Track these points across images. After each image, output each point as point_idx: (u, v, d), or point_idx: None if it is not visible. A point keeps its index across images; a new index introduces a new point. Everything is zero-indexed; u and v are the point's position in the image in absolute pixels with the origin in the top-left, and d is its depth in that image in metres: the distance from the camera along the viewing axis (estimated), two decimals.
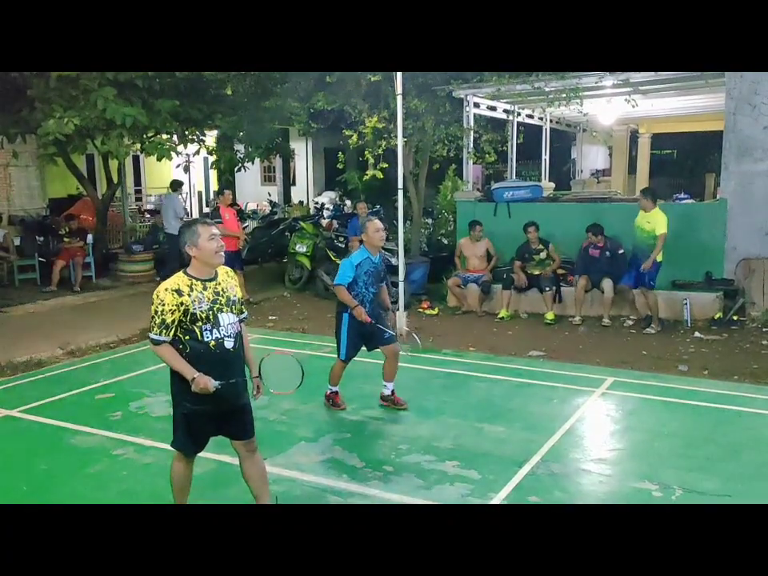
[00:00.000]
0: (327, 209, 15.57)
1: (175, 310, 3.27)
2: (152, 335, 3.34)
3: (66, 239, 11.35)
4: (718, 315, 8.22)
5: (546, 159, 14.79)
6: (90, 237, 11.59)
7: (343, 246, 10.51)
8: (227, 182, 15.05)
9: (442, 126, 10.55)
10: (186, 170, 12.62)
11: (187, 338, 3.33)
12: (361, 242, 10.18)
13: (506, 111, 12.49)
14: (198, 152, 11.99)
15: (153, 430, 5.20)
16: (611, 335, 7.92)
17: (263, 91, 11.13)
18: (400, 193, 8.16)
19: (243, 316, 3.60)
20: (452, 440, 4.97)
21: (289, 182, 20.55)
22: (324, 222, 13.62)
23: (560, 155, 18.08)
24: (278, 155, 16.15)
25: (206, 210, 19.38)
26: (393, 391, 5.67)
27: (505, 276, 9.12)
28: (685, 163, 20.46)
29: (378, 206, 12.29)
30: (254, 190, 20.26)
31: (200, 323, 3.31)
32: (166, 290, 3.29)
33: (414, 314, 9.04)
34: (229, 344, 3.41)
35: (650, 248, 7.98)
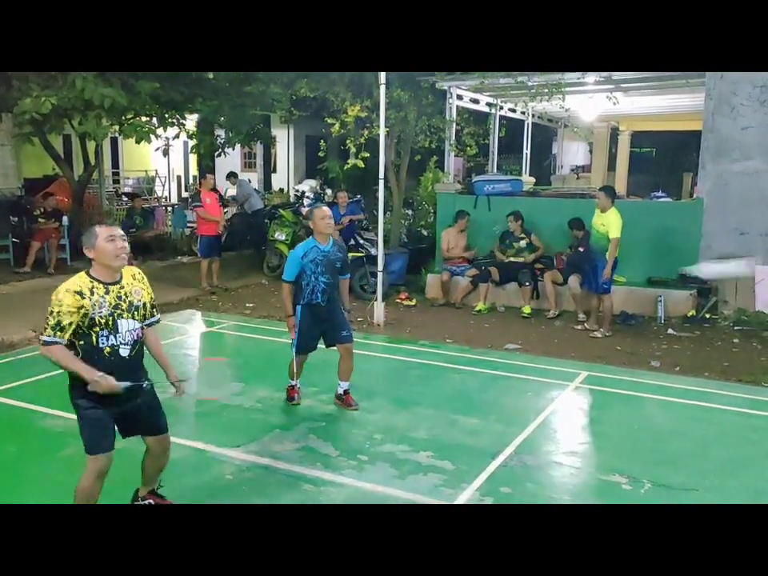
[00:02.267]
0: (308, 197, 15.47)
1: (74, 313, 3.11)
2: (44, 337, 3.15)
3: (40, 220, 11.16)
4: (691, 313, 8.35)
5: (527, 154, 14.86)
6: (65, 218, 11.42)
7: None
8: (207, 167, 14.89)
9: (424, 117, 10.55)
10: (165, 153, 12.46)
11: (81, 342, 3.17)
12: (339, 230, 10.18)
13: (488, 104, 12.52)
14: (177, 136, 11.85)
15: None
16: (586, 330, 7.99)
17: (245, 76, 11.01)
18: (381, 183, 8.15)
19: (152, 320, 3.49)
20: (427, 431, 5.00)
21: (269, 168, 20.40)
22: (304, 210, 13.53)
23: (541, 150, 18.17)
24: (258, 142, 16.00)
25: (184, 194, 19.17)
26: (346, 391, 5.50)
27: (482, 269, 9.17)
28: (663, 162, 20.70)
29: (359, 196, 12.24)
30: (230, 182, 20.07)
31: (97, 328, 3.16)
32: (67, 290, 3.12)
33: (392, 304, 9.05)
34: (124, 352, 3.26)
35: (604, 249, 7.63)
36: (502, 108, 13.01)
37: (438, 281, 9.51)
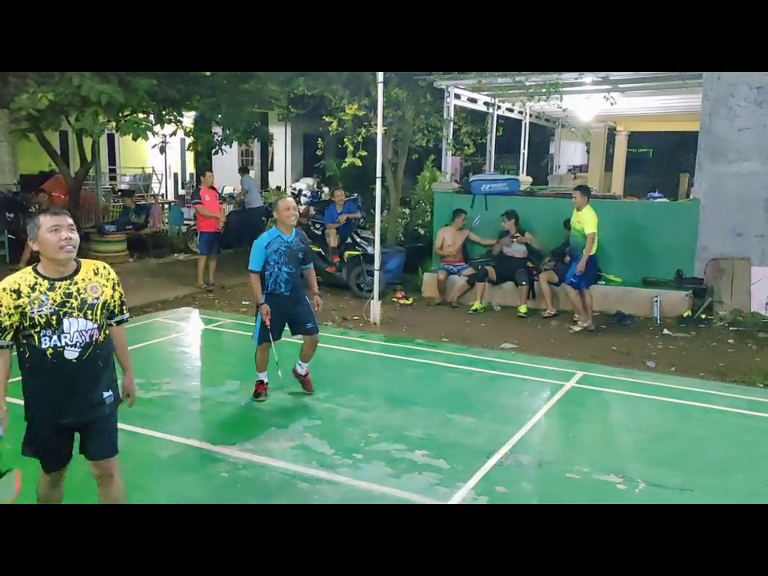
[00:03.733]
0: (305, 195, 15.48)
1: (13, 314, 2.86)
2: None
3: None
4: (687, 313, 8.37)
5: (524, 153, 14.88)
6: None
7: (320, 232, 10.46)
8: (204, 164, 14.87)
9: (422, 116, 10.56)
10: (162, 150, 12.43)
11: (24, 342, 2.92)
12: (336, 229, 10.17)
13: (486, 104, 12.52)
14: (174, 133, 11.82)
15: (121, 412, 5.11)
16: (582, 330, 7.99)
17: (243, 74, 10.99)
18: (378, 181, 8.14)
19: (118, 319, 3.15)
20: (422, 430, 5.00)
21: (267, 167, 20.38)
22: (301, 209, 13.54)
23: (538, 150, 18.22)
24: (256, 139, 15.98)
25: (181, 191, 19.14)
26: (307, 373, 5.64)
27: (479, 268, 9.17)
28: (660, 162, 20.75)
29: (356, 194, 12.24)
30: (232, 173, 20.06)
31: (38, 328, 2.87)
32: (4, 289, 2.87)
33: (388, 303, 9.05)
34: (70, 354, 2.92)
35: (581, 246, 7.78)
36: (499, 107, 13.02)
37: (435, 280, 9.51)
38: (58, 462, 3.14)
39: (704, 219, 8.78)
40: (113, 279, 3.10)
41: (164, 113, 10.82)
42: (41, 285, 2.91)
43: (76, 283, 2.97)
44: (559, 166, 18.84)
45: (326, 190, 16.15)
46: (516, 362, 6.75)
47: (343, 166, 11.31)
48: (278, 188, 18.14)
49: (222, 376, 6.20)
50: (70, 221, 2.95)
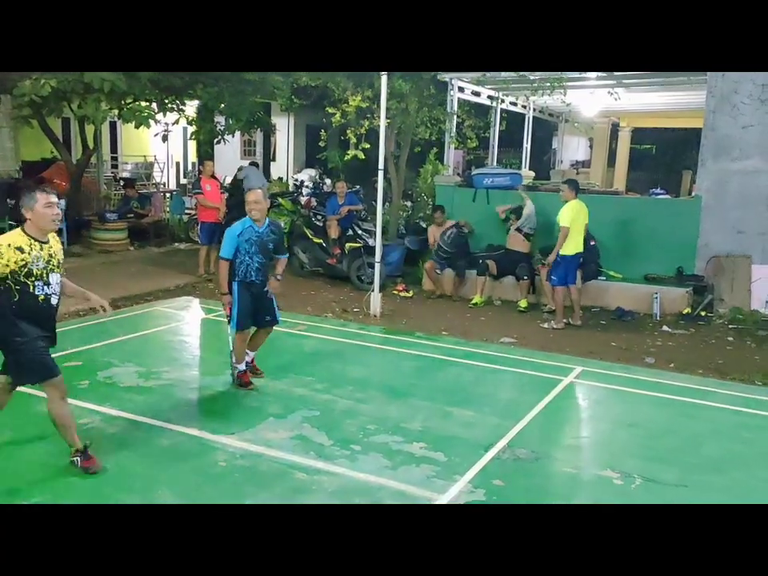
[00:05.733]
0: (306, 186, 15.44)
1: (13, 266, 3.62)
2: None
3: None
4: (686, 310, 8.37)
5: (527, 148, 14.85)
6: (62, 202, 11.35)
7: (321, 224, 10.45)
8: (206, 153, 14.83)
9: (425, 109, 10.53)
10: (165, 139, 12.38)
11: (17, 288, 3.68)
12: (337, 220, 10.16)
13: (490, 97, 12.50)
14: (177, 122, 11.78)
15: (120, 400, 5.16)
16: (582, 325, 8.00)
17: None
18: (380, 174, 8.13)
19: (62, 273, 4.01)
20: (420, 422, 5.01)
21: (269, 157, 20.31)
22: (303, 200, 13.52)
23: (541, 144, 18.14)
24: (258, 129, 15.93)
25: (183, 180, 19.10)
26: (253, 359, 5.70)
27: (480, 262, 9.17)
28: (663, 159, 20.70)
29: (358, 186, 12.22)
30: (234, 163, 20.02)
31: (33, 279, 3.70)
32: (9, 245, 3.63)
33: (388, 295, 9.05)
34: (54, 300, 3.87)
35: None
36: (503, 101, 12.99)
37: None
38: (57, 370, 3.91)
39: (706, 216, 8.77)
40: (60, 242, 4.02)
41: (166, 101, 10.80)
42: (34, 245, 3.73)
43: (51, 246, 3.86)
44: (562, 161, 18.78)
45: (328, 181, 16.09)
46: (515, 357, 6.75)
47: (346, 158, 11.27)
48: (280, 179, 18.09)
49: (221, 365, 6.20)
50: (57, 199, 3.80)
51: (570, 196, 7.81)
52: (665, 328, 7.93)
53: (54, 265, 3.83)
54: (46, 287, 3.79)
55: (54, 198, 3.77)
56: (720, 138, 8.73)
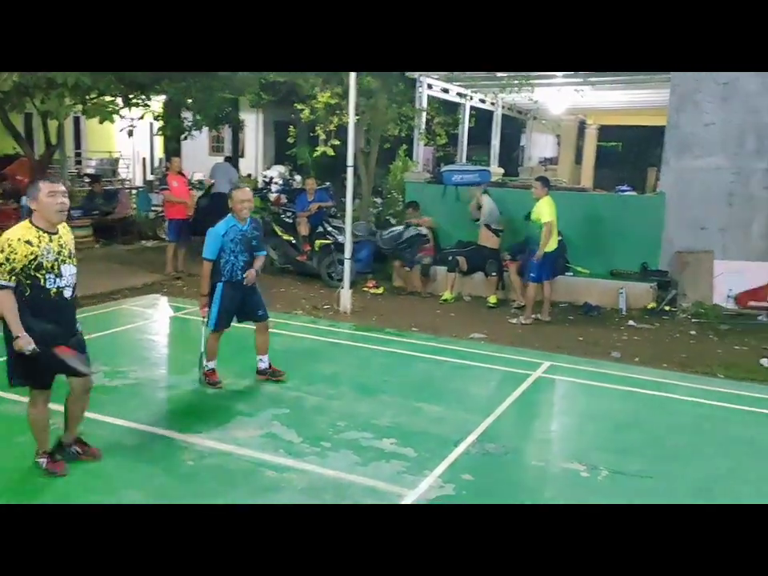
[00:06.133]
0: (276, 183, 15.34)
1: (23, 260, 3.50)
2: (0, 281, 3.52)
3: None
4: (651, 305, 8.52)
5: (496, 145, 14.95)
6: (24, 199, 11.13)
7: (291, 221, 10.40)
8: (173, 149, 14.67)
9: (394, 106, 10.54)
10: (130, 134, 12.19)
11: (29, 282, 3.56)
12: (307, 217, 10.11)
13: (458, 94, 12.56)
14: (142, 117, 11.61)
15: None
16: (550, 321, 8.09)
17: None
18: (350, 170, 8.12)
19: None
20: (390, 418, 5.03)
21: (237, 153, 20.14)
22: (272, 197, 13.45)
23: (510, 141, 18.30)
24: (227, 125, 15.78)
25: (150, 177, 18.84)
26: (270, 364, 5.66)
27: (450, 258, 9.22)
28: (629, 156, 21.00)
29: (328, 183, 12.18)
30: (202, 160, 19.81)
31: (43, 272, 3.58)
32: (19, 239, 3.51)
33: (359, 292, 9.05)
34: (68, 293, 3.72)
35: (538, 237, 7.80)
36: (471, 98, 13.07)
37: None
38: (51, 378, 3.79)
39: (669, 213, 8.94)
40: (72, 236, 3.90)
41: (132, 96, 10.61)
42: (43, 237, 3.60)
43: (61, 237, 3.72)
44: (530, 158, 18.97)
45: (297, 178, 16.02)
46: (484, 352, 6.81)
47: (315, 155, 11.25)
48: (249, 175, 17.95)
49: (189, 364, 6.13)
50: (64, 188, 3.64)
51: (542, 193, 7.89)
52: (630, 323, 8.06)
53: (65, 256, 3.69)
54: (58, 279, 3.64)
55: (59, 187, 3.61)
56: (683, 135, 8.90)
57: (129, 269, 10.16)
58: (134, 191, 15.49)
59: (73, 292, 3.75)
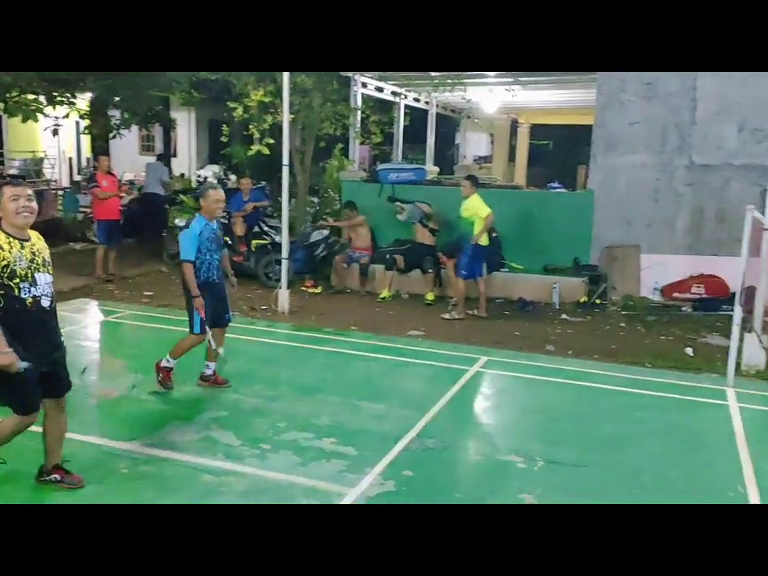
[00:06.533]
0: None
1: None
2: None
3: None
4: (583, 299, 8.78)
5: (431, 143, 15.10)
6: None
7: (226, 221, 10.22)
8: (101, 149, 14.21)
9: (329, 104, 10.50)
10: (55, 133, 11.75)
11: (2, 292, 3.37)
12: (243, 217, 9.97)
13: (393, 93, 12.62)
14: (67, 115, 11.21)
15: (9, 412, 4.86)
16: (487, 317, 8.24)
17: None
18: (285, 170, 8.05)
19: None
20: (330, 417, 5.02)
21: (169, 153, 19.68)
22: None
23: (445, 140, 18.50)
24: (157, 124, 15.38)
25: (77, 177, 18.19)
26: (215, 371, 5.57)
27: (387, 257, 9.26)
28: (560, 154, 21.52)
29: (264, 182, 12.03)
30: (132, 159, 19.26)
31: (17, 280, 3.39)
32: None
33: (297, 292, 8.99)
34: (45, 302, 3.52)
35: (469, 234, 7.97)
36: (406, 97, 13.15)
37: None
38: (38, 402, 3.56)
39: (598, 209, 9.23)
40: (46, 245, 3.67)
41: (56, 94, 10.23)
42: (14, 243, 3.42)
43: (34, 244, 3.54)
44: (465, 157, 19.25)
45: (232, 177, 15.77)
46: (423, 349, 6.87)
47: (250, 154, 11.08)
48: (183, 175, 17.57)
49: (122, 369, 5.98)
50: (30, 192, 3.49)
51: (472, 191, 8.04)
52: (564, 316, 8.29)
53: (39, 264, 3.49)
54: (33, 288, 3.44)
55: (23, 191, 3.44)
56: (609, 134, 9.19)
57: (55, 272, 9.76)
58: (60, 192, 14.92)
59: (51, 301, 3.56)
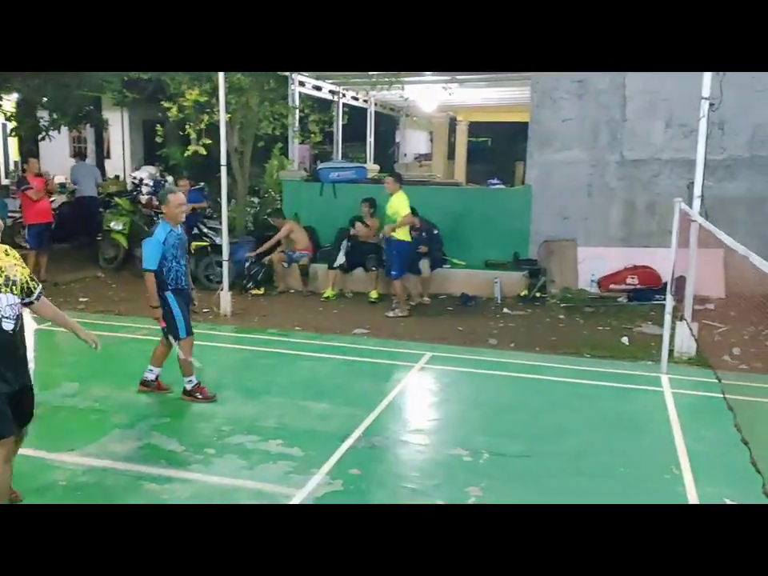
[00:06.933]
0: (146, 184, 14.71)
1: None
2: None
3: None
4: (523, 293, 8.96)
5: (371, 142, 15.12)
6: None
7: None
8: (30, 151, 13.69)
9: (266, 104, 10.39)
10: None
11: None
12: (186, 217, 9.77)
13: (331, 92, 12.58)
14: None
15: None
16: (430, 313, 8.32)
17: None
18: (223, 170, 7.93)
19: (39, 292, 3.39)
20: (276, 419, 4.98)
21: (102, 154, 19.12)
22: (143, 199, 12.88)
23: (385, 138, 18.58)
24: (88, 125, 14.93)
25: (5, 181, 17.48)
26: (158, 376, 5.48)
27: (330, 256, 9.23)
28: (498, 151, 21.89)
29: (202, 184, 11.82)
30: (63, 162, 18.62)
31: None
32: None
33: (239, 294, 8.87)
34: (7, 326, 3.18)
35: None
36: (344, 96, 13.13)
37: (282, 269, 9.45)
38: (10, 429, 3.25)
39: (536, 204, 9.43)
40: (20, 259, 3.33)
41: None
42: None
43: None
44: (405, 155, 19.37)
45: (169, 179, 15.44)
46: (368, 347, 6.89)
47: (186, 154, 10.86)
48: (117, 177, 17.09)
49: (56, 378, 5.77)
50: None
51: (395, 188, 8.09)
52: (505, 310, 8.43)
53: None
54: None
55: None
56: (544, 131, 9.41)
57: None
58: None
59: (15, 325, 3.19)
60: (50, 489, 3.89)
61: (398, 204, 7.99)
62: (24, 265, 3.34)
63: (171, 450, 4.42)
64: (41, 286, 3.45)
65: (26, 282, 3.31)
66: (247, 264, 9.32)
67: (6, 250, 3.27)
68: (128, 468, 4.15)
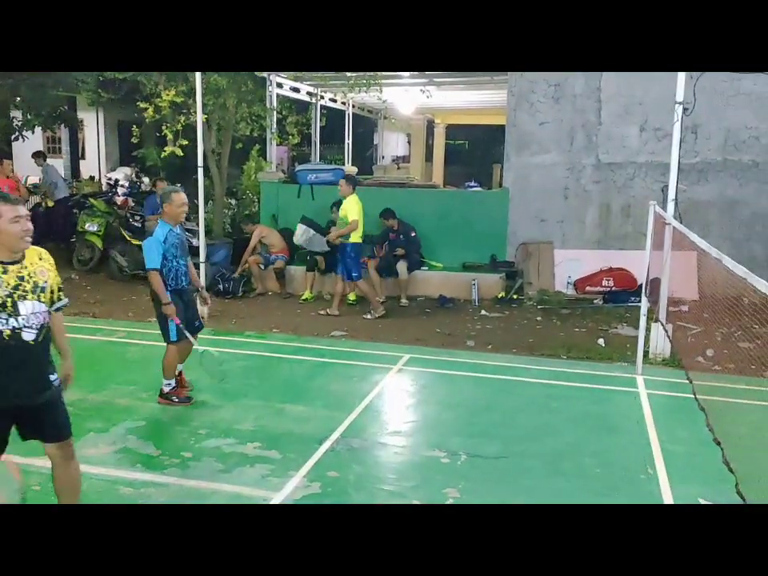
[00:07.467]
0: (122, 186, 14.55)
1: None
2: None
3: None
4: (501, 294, 9.01)
5: (349, 144, 15.11)
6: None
7: (140, 225, 9.91)
8: (2, 151, 13.48)
9: (244, 105, 10.35)
10: None
11: None
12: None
13: (309, 93, 12.55)
14: None
15: None
16: (408, 314, 8.33)
17: None
18: (200, 171, 7.88)
19: (61, 304, 3.24)
20: (253, 422, 4.95)
21: (77, 155, 18.89)
22: (119, 200, 12.75)
23: (363, 140, 18.59)
24: (63, 125, 14.72)
25: None
26: (181, 371, 5.46)
27: (308, 258, 9.21)
28: (476, 153, 22.04)
29: (179, 185, 11.72)
30: (33, 163, 18.38)
31: None
32: None
33: (216, 296, 8.80)
34: (28, 336, 3.02)
35: (348, 234, 8.02)
36: (322, 98, 13.11)
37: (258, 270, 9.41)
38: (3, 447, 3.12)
39: (513, 207, 9.50)
40: (53, 265, 3.19)
41: None
42: None
43: (26, 267, 3.03)
44: (383, 157, 19.39)
45: (146, 180, 15.30)
46: (346, 349, 6.88)
47: (163, 155, 10.76)
48: (92, 178, 16.90)
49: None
50: (26, 210, 3.02)
51: (348, 191, 8.09)
52: (483, 312, 8.48)
53: (26, 290, 2.98)
54: (12, 319, 2.94)
55: (22, 210, 2.97)
56: (521, 134, 9.48)
57: None
58: None
59: (39, 335, 3.04)
60: (25, 493, 3.82)
61: (349, 208, 7.99)
62: (57, 272, 3.20)
63: (147, 453, 4.38)
64: (66, 300, 3.29)
65: (55, 290, 3.18)
66: (224, 274, 9.26)
67: (40, 254, 3.15)
68: (103, 472, 4.10)
